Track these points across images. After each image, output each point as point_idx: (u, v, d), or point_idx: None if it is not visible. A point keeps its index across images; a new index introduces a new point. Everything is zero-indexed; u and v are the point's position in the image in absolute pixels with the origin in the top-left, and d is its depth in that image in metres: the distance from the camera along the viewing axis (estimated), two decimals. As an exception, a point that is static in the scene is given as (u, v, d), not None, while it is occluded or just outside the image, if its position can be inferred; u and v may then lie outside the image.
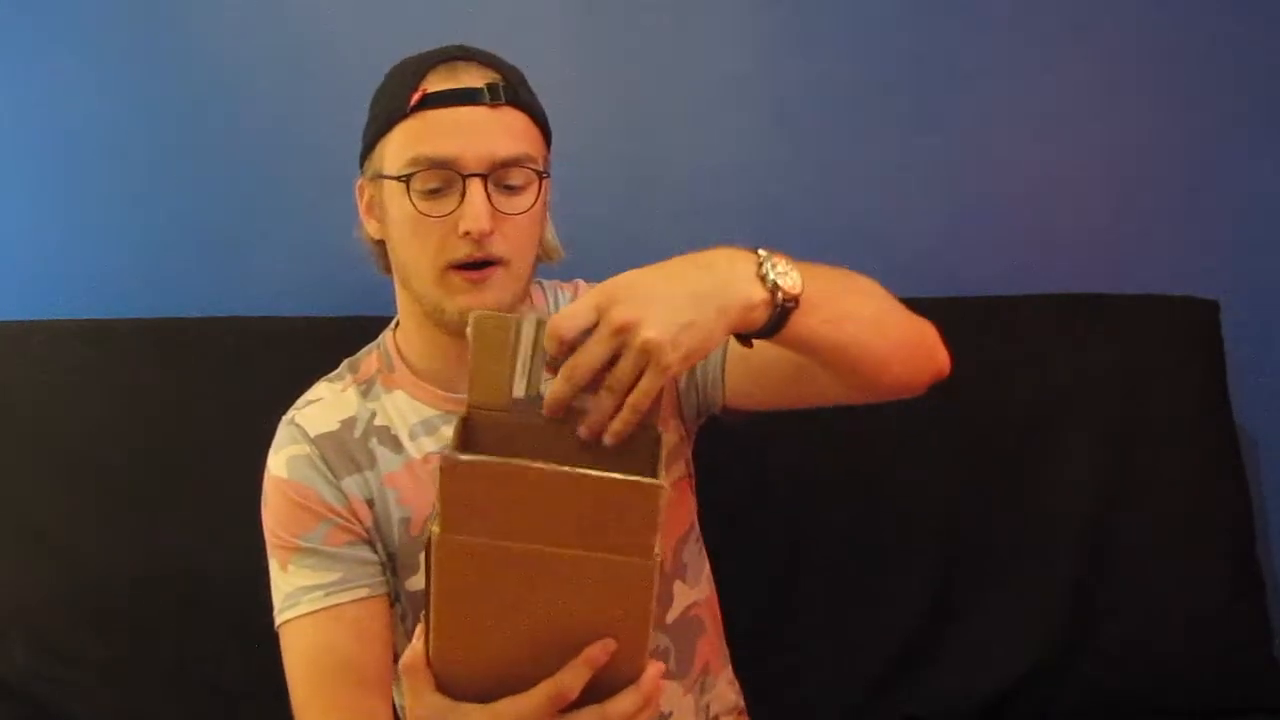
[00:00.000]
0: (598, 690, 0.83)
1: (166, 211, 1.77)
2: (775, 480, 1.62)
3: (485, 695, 0.84)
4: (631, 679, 0.83)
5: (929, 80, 1.80)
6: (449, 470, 0.79)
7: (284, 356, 1.62)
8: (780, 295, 0.92)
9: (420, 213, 1.07)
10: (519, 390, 0.92)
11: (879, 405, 1.63)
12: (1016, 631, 1.60)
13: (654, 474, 0.88)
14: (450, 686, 0.85)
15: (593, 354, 0.87)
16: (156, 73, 1.76)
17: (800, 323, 0.95)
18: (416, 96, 1.07)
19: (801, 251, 1.90)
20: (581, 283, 1.26)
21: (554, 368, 0.89)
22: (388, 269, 1.17)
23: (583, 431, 0.89)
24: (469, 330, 0.91)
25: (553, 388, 0.89)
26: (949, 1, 1.79)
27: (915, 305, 1.69)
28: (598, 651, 0.81)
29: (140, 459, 1.61)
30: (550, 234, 1.19)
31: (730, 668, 1.30)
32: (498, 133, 1.07)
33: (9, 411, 1.62)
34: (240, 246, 1.78)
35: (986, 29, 1.79)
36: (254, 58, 1.76)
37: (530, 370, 0.91)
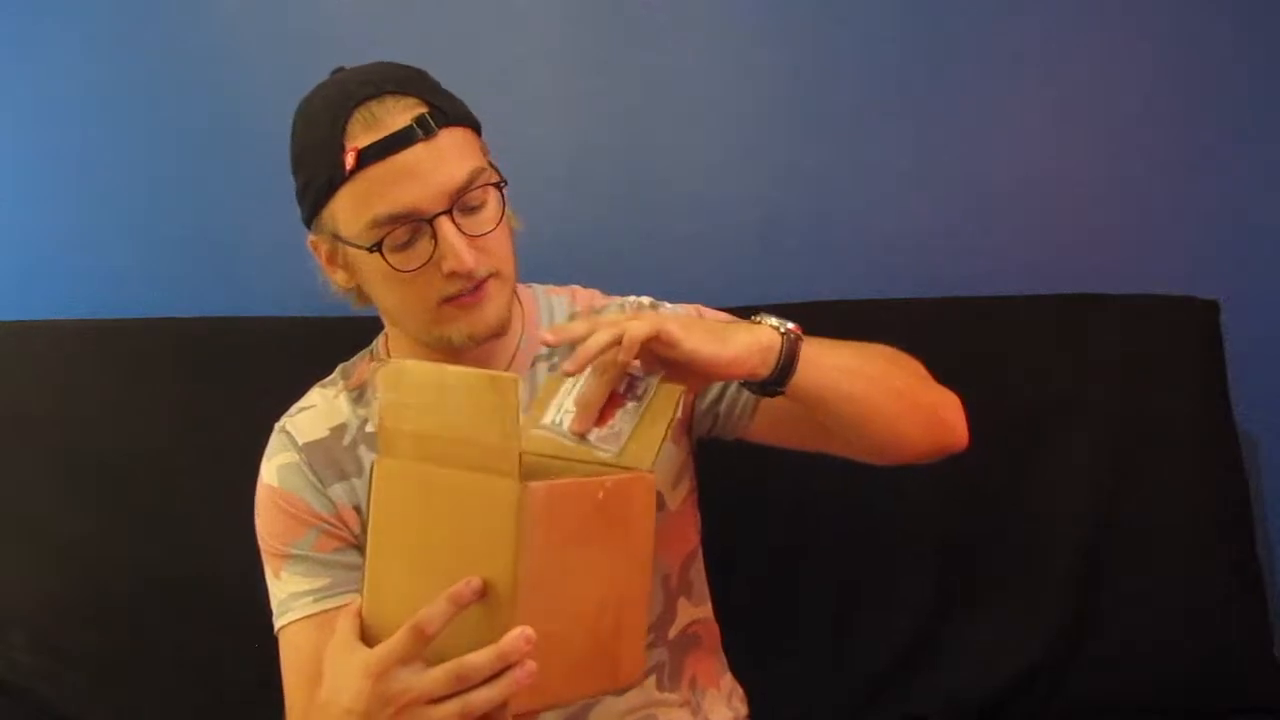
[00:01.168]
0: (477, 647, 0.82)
1: (167, 211, 1.77)
2: (775, 479, 1.62)
3: None
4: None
5: (928, 80, 1.80)
6: (382, 373, 0.85)
7: (284, 356, 1.62)
8: (785, 329, 1.00)
9: (400, 270, 1.04)
10: (547, 419, 0.99)
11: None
12: (1016, 631, 1.60)
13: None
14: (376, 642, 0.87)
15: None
16: (158, 72, 1.76)
17: (811, 365, 1.01)
18: (350, 158, 1.02)
19: (801, 251, 1.91)
20: (578, 289, 1.25)
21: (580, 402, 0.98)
22: (365, 304, 1.15)
23: (566, 365, 0.96)
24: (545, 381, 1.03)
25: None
26: (949, 1, 1.79)
27: (916, 305, 1.72)
28: (460, 588, 0.81)
29: (140, 459, 1.61)
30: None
31: (729, 678, 1.30)
32: (442, 164, 1.03)
33: (9, 411, 1.62)
34: (240, 246, 1.78)
35: (986, 28, 1.79)
36: (257, 57, 1.76)
37: (563, 402, 0.99)
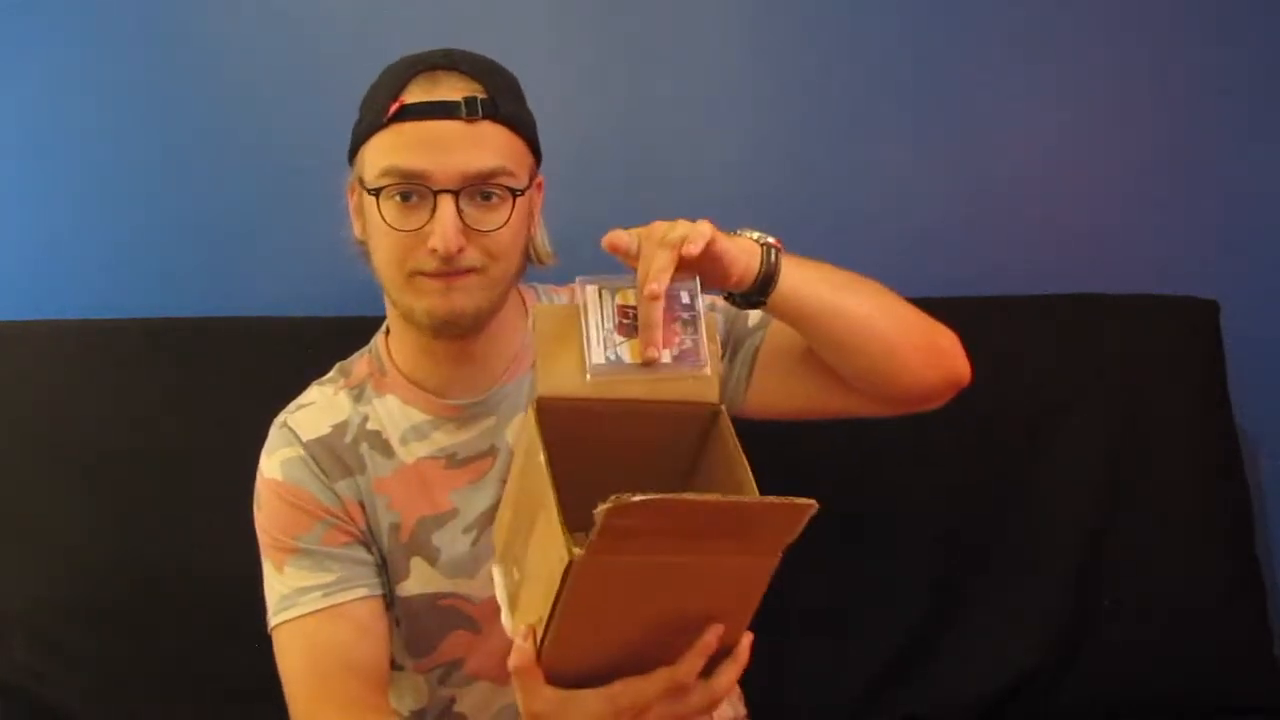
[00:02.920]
0: None
1: (167, 211, 1.77)
2: (774, 480, 1.62)
3: (595, 679, 0.86)
4: (728, 651, 0.87)
5: (929, 80, 1.80)
6: (617, 510, 0.77)
7: (284, 356, 1.62)
8: (764, 241, 1.03)
9: (390, 225, 1.06)
10: (597, 358, 0.95)
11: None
12: (1016, 631, 1.60)
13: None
14: (559, 678, 0.86)
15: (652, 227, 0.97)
16: (158, 72, 1.76)
17: (794, 273, 1.03)
18: (394, 107, 1.05)
19: (801, 251, 1.90)
20: (577, 287, 1.25)
21: (625, 328, 0.94)
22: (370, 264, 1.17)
23: (646, 289, 0.93)
24: (530, 325, 0.97)
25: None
26: (951, 2, 1.79)
27: (916, 305, 1.71)
28: (712, 638, 0.84)
29: (140, 459, 1.61)
30: (541, 238, 1.18)
31: None
32: (471, 148, 1.06)
33: (9, 411, 1.62)
34: (240, 246, 1.77)
35: (987, 29, 1.79)
36: (255, 58, 1.76)
37: (604, 336, 0.95)
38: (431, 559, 1.15)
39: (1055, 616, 1.61)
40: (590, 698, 0.85)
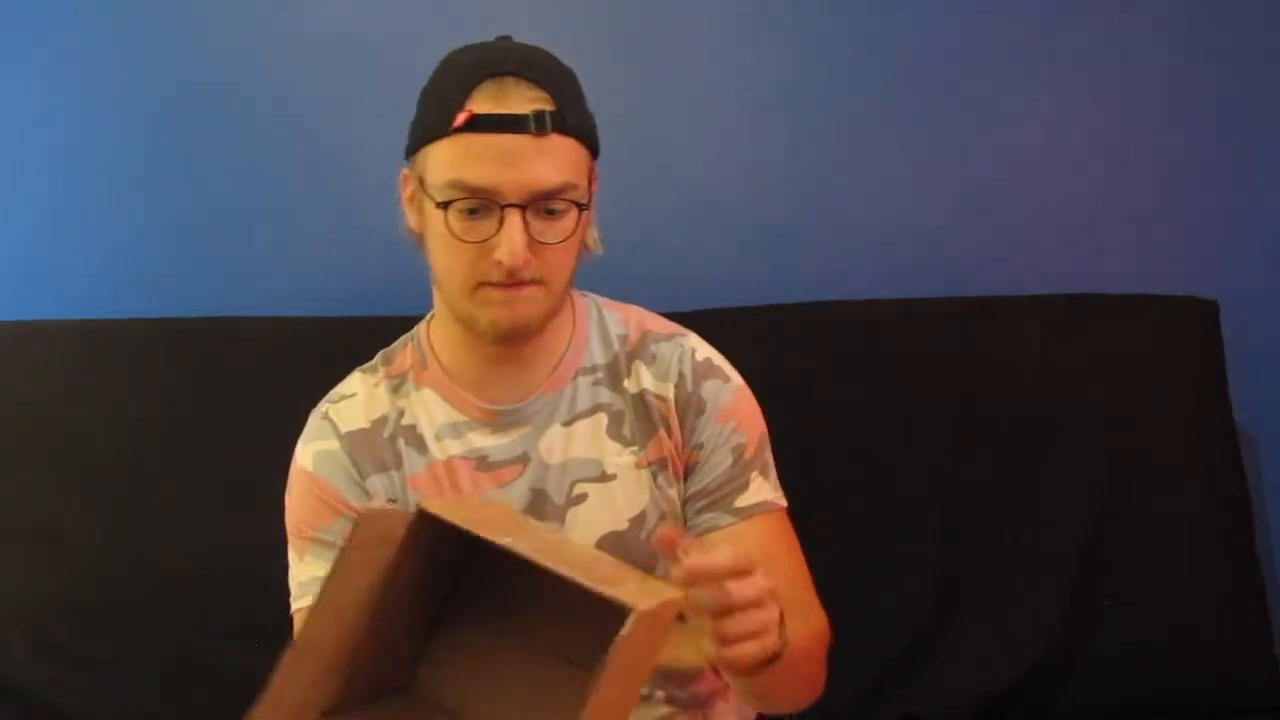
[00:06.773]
0: None
1: (167, 212, 1.77)
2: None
3: None
4: None
5: (930, 81, 1.80)
6: None
7: (284, 357, 1.63)
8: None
9: (456, 236, 1.07)
10: None
11: (878, 411, 1.63)
12: (1016, 631, 1.60)
13: None
14: None
15: None
16: (157, 73, 1.76)
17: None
18: (462, 117, 1.05)
19: (802, 252, 1.91)
20: (633, 307, 1.25)
21: None
22: (423, 251, 1.16)
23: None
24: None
25: None
26: (949, 2, 1.79)
27: (916, 305, 1.72)
28: None
29: (139, 459, 1.61)
30: (592, 230, 1.18)
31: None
32: (540, 164, 1.05)
33: (9, 411, 1.62)
34: (239, 247, 1.78)
35: (988, 30, 1.79)
36: (254, 59, 1.76)
37: None
38: None
39: (1055, 616, 1.61)
40: None
